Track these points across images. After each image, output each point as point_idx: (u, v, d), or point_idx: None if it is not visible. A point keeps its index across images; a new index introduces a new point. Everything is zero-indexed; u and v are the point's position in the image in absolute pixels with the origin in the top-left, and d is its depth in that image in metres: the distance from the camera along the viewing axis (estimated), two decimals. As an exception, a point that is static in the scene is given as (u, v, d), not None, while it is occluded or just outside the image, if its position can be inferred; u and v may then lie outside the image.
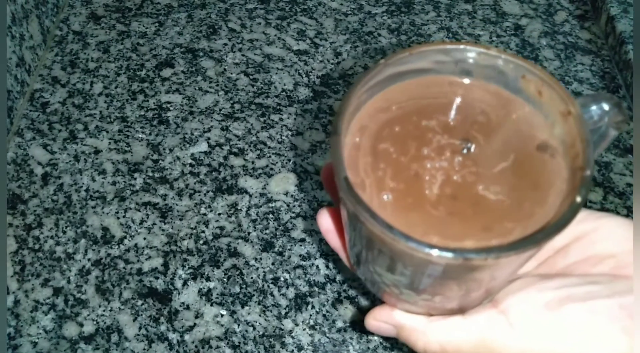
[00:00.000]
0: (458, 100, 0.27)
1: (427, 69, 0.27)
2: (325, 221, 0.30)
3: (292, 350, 0.37)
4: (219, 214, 0.44)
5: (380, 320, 0.29)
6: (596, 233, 0.27)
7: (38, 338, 0.38)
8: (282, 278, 0.41)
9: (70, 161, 0.47)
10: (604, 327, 0.24)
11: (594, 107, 0.25)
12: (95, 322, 0.39)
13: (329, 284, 0.40)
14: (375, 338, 0.38)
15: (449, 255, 0.21)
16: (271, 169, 0.47)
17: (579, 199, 0.22)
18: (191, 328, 0.38)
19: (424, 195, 0.24)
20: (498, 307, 0.25)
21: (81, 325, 0.39)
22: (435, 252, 0.21)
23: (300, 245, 0.42)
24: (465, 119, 0.26)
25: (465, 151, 0.25)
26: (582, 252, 0.27)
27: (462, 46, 0.26)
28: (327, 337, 0.38)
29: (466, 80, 0.27)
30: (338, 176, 0.23)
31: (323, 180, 0.31)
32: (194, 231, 0.43)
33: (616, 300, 0.24)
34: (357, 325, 0.39)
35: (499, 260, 0.21)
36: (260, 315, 0.39)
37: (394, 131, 0.26)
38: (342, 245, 0.30)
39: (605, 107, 0.25)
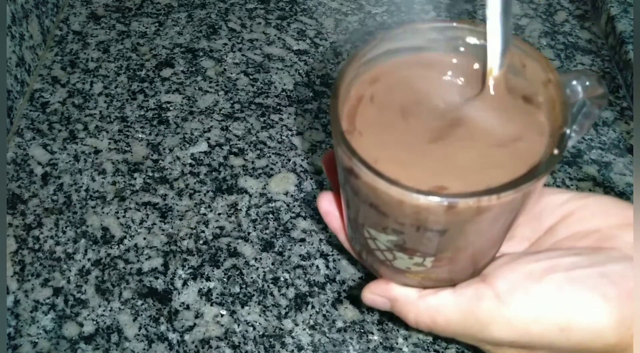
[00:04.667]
0: (449, 72, 0.29)
1: (421, 47, 0.29)
2: (325, 203, 0.31)
3: (292, 350, 0.37)
4: (219, 214, 0.44)
5: (376, 293, 0.30)
6: (582, 211, 0.28)
7: (38, 338, 0.38)
8: (282, 278, 0.41)
9: (70, 161, 0.47)
10: (585, 294, 0.24)
11: (574, 82, 0.27)
12: (95, 322, 0.39)
13: (329, 284, 0.40)
14: (375, 338, 0.38)
15: (435, 199, 0.22)
16: (271, 168, 0.47)
17: (556, 152, 0.24)
18: (191, 328, 0.38)
19: (414, 142, 0.26)
20: (486, 281, 0.26)
21: (81, 325, 0.39)
22: (421, 197, 0.22)
23: (300, 245, 0.42)
24: (455, 85, 0.28)
25: (452, 110, 0.27)
26: (569, 229, 0.28)
27: (453, 24, 0.28)
28: (327, 337, 0.38)
29: (457, 56, 0.29)
30: (335, 133, 0.25)
31: (324, 164, 0.33)
32: (194, 231, 0.43)
33: (597, 269, 0.25)
34: (357, 325, 0.39)
35: (481, 205, 0.22)
36: (260, 315, 0.39)
37: (390, 94, 0.28)
38: (341, 226, 0.31)
39: (585, 81, 0.27)
